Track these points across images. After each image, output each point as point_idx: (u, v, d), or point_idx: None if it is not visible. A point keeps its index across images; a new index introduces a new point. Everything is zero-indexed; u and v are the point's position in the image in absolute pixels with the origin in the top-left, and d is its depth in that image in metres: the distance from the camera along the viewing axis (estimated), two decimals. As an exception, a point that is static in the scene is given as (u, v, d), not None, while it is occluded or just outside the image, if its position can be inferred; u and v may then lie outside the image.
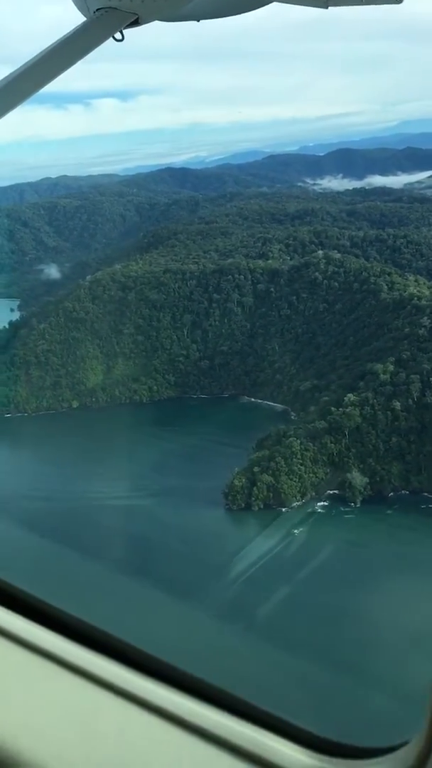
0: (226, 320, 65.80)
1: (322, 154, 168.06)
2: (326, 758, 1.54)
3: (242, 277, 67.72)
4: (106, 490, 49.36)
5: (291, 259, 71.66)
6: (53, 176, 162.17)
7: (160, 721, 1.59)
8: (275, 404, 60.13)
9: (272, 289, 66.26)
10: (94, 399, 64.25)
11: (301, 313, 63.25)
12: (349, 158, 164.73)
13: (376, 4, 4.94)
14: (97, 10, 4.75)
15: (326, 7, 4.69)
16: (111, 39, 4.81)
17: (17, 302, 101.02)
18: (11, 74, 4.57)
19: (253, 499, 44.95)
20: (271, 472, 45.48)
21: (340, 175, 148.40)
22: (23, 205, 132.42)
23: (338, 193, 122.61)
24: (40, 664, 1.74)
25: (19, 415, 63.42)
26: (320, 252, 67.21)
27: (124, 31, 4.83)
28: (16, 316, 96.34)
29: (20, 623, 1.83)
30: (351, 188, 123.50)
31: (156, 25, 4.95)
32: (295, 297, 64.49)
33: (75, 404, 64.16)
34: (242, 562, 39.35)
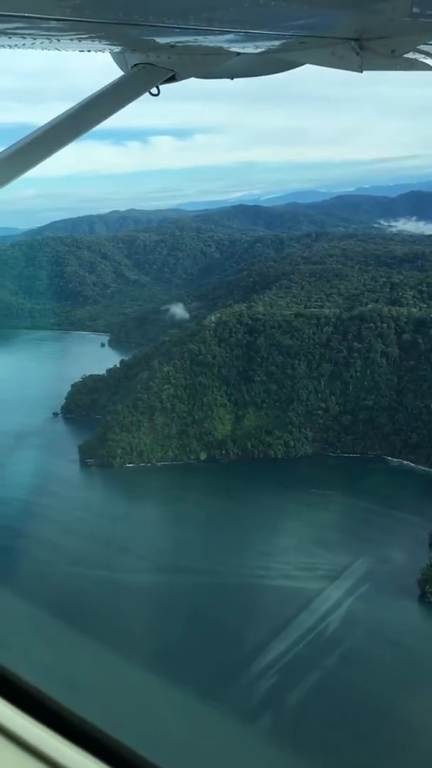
0: (369, 372, 60.23)
1: (380, 195, 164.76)
2: None
3: (384, 325, 62.34)
4: (269, 566, 43.36)
5: (428, 306, 66.45)
6: (121, 209, 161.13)
7: None
8: (433, 469, 54.10)
9: (420, 340, 60.70)
10: (223, 451, 58.68)
11: (460, 368, 57.57)
12: (421, 201, 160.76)
13: (409, 70, 4.93)
14: (135, 65, 5.00)
15: (361, 71, 4.72)
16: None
17: (107, 337, 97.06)
18: (47, 124, 4.80)
19: (458, 589, 38.79)
20: None
21: (414, 217, 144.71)
22: (103, 237, 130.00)
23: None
24: None
25: (143, 464, 58.06)
26: None
27: (161, 87, 5.11)
28: (108, 352, 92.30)
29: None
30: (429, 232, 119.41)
31: None
32: (450, 349, 58.90)
33: (203, 456, 58.64)
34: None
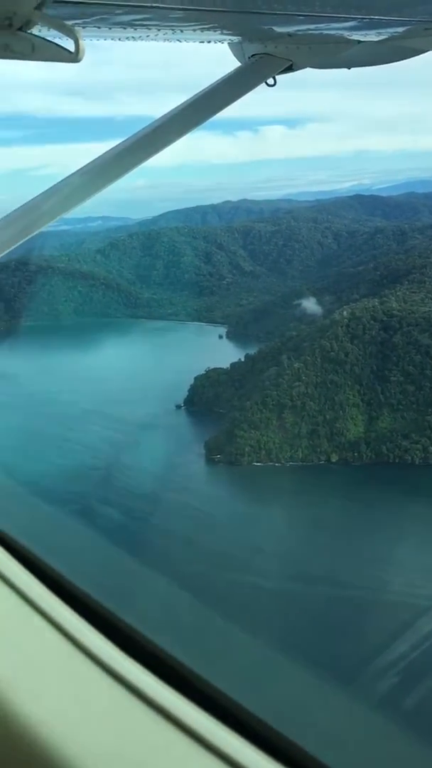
0: None
1: None
2: None
3: None
4: (414, 583, 40.41)
5: None
6: (233, 199, 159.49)
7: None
8: None
9: None
10: (356, 454, 56.03)
11: None
12: None
13: None
14: (252, 55, 4.98)
15: None
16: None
17: (224, 329, 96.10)
18: (164, 115, 4.76)
19: None
20: None
21: None
22: (218, 227, 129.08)
23: None
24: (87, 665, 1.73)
25: (271, 464, 56.38)
26: None
27: (277, 77, 5.01)
28: (225, 344, 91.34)
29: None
30: None
31: None
32: None
33: (334, 458, 56.23)
34: None
